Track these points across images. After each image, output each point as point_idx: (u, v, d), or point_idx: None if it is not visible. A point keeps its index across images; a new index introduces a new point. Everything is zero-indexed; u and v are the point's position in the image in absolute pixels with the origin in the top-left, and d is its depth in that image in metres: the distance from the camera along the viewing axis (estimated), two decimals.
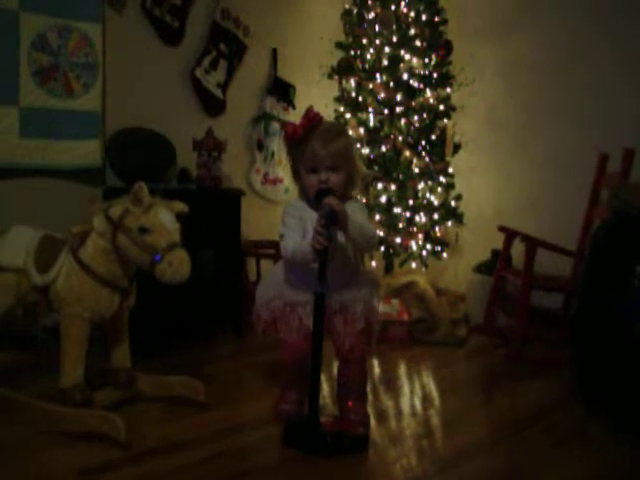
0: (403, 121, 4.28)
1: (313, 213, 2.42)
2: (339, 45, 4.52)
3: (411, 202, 4.24)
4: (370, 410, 2.71)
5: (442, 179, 4.31)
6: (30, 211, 3.46)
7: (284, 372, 2.73)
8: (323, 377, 3.26)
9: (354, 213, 2.38)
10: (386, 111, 4.29)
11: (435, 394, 3.23)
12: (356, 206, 2.50)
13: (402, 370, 3.57)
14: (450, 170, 4.35)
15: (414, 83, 4.27)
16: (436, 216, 4.27)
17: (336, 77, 4.55)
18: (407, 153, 4.26)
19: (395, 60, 4.28)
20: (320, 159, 2.40)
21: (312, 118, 2.45)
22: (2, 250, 2.68)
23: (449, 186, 4.35)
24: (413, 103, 4.29)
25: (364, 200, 4.16)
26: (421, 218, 4.25)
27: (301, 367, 2.59)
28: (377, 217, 4.23)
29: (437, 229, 4.32)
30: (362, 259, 2.68)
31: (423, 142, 4.28)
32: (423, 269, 4.32)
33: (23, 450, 2.34)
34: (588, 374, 2.95)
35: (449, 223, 4.36)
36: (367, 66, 4.37)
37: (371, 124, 4.34)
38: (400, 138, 4.27)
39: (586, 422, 2.77)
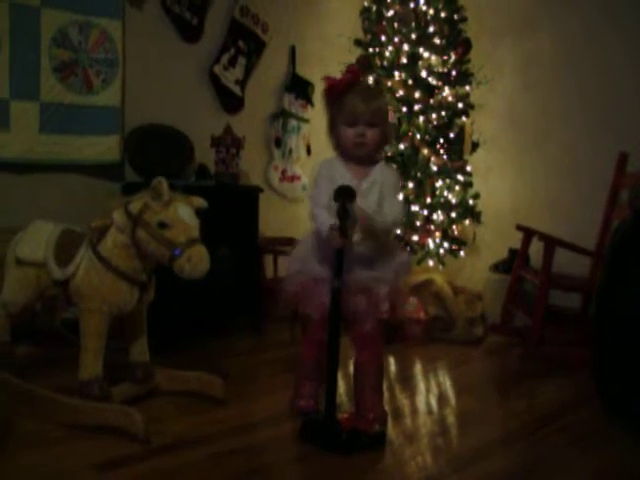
0: (421, 119, 4.27)
1: (346, 172, 2.46)
2: (358, 42, 4.51)
3: (429, 200, 4.23)
4: (386, 408, 2.71)
5: (460, 177, 4.29)
6: (50, 206, 3.49)
7: (301, 366, 2.70)
8: (339, 374, 3.26)
9: (385, 186, 2.44)
10: (404, 109, 4.28)
11: (451, 393, 3.23)
12: (389, 173, 2.52)
13: (418, 368, 3.57)
14: (468, 168, 4.33)
15: (433, 81, 4.26)
16: (453, 214, 4.26)
17: None
18: (425, 151, 4.25)
19: (414, 58, 4.27)
20: (360, 113, 2.43)
21: (354, 73, 2.54)
22: (22, 244, 2.70)
23: (467, 184, 4.33)
24: (431, 101, 4.28)
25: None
26: (439, 216, 4.24)
27: (318, 362, 2.58)
28: None
29: (454, 227, 4.30)
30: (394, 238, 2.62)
31: (441, 140, 4.26)
32: (440, 267, 4.31)
33: (41, 443, 2.35)
34: (606, 374, 2.93)
35: (466, 221, 4.34)
36: (386, 63, 4.36)
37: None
38: (418, 136, 4.25)
39: (603, 422, 2.75)
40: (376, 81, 4.38)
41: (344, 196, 2.30)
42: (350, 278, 2.38)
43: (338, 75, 2.59)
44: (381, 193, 2.43)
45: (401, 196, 2.53)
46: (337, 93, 2.50)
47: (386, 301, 2.44)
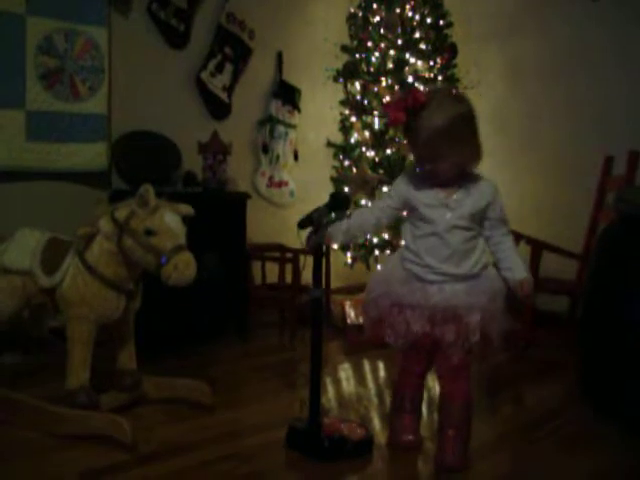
0: None
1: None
2: (344, 48, 4.53)
3: None
4: (375, 413, 2.71)
5: None
6: (37, 214, 3.47)
7: (395, 397, 2.51)
8: (328, 379, 3.27)
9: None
10: None
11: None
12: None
13: None
14: None
15: (419, 86, 4.27)
16: None
17: (341, 80, 4.56)
18: (411, 157, 4.26)
19: (400, 63, 4.29)
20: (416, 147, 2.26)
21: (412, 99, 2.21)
22: (9, 252, 2.68)
23: None
24: None
25: (369, 202, 4.17)
26: None
27: (415, 394, 2.47)
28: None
29: None
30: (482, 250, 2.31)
31: None
32: None
33: (29, 452, 2.34)
34: (594, 377, 2.94)
35: None
36: (372, 69, 4.38)
37: (376, 127, 4.34)
38: (405, 141, 4.26)
39: (592, 425, 2.76)
40: (363, 86, 4.40)
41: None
42: (439, 299, 2.23)
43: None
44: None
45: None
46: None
47: (477, 331, 2.23)
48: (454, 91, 2.57)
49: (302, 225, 2.35)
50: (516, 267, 2.27)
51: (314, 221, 2.31)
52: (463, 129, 2.20)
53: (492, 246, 2.31)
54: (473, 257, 2.26)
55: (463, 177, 2.26)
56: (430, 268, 2.24)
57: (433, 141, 2.16)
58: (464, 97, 2.33)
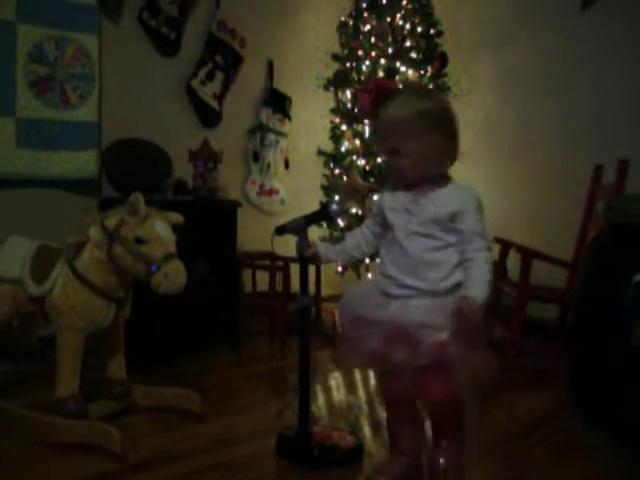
0: None
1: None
2: (335, 57, 4.55)
3: None
4: (365, 421, 2.70)
5: None
6: (26, 221, 3.46)
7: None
8: (319, 387, 3.26)
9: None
10: None
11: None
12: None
13: None
14: None
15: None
16: None
17: (332, 89, 4.56)
18: None
19: (391, 72, 4.30)
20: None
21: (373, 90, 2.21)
22: None
23: None
24: None
25: (360, 211, 4.18)
26: None
27: (396, 429, 2.21)
28: None
29: None
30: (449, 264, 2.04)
31: None
32: None
33: (17, 461, 2.33)
34: (584, 385, 2.95)
35: None
36: (363, 78, 4.39)
37: (367, 136, 4.35)
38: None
39: (582, 433, 2.76)
40: (353, 94, 4.41)
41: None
42: (398, 315, 2.00)
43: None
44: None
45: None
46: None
47: (427, 355, 1.91)
48: (426, 87, 2.33)
49: (278, 231, 2.39)
50: (472, 285, 1.96)
51: (286, 229, 2.35)
52: (423, 125, 2.01)
53: (464, 262, 2.02)
54: (440, 271, 2.01)
55: (435, 181, 2.07)
56: (392, 279, 2.06)
57: (387, 133, 2.06)
58: (435, 94, 2.21)
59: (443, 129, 2.06)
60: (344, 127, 4.45)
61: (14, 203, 3.54)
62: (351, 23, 4.50)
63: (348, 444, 2.42)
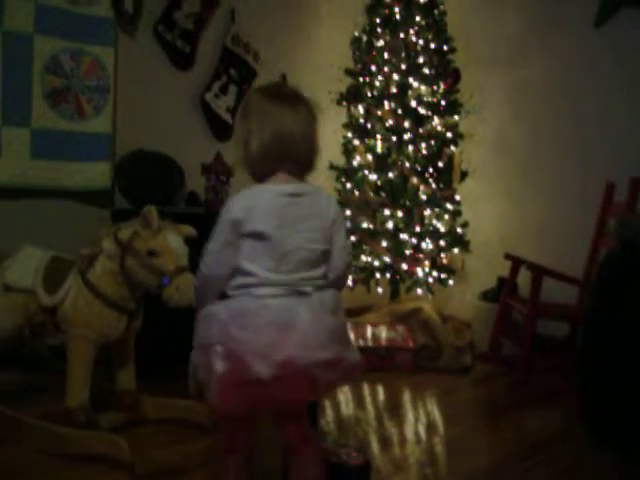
0: (411, 148, 4.30)
1: None
2: (348, 72, 4.55)
3: (418, 229, 4.25)
4: (374, 437, 2.70)
5: (449, 206, 4.32)
6: (40, 232, 3.47)
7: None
8: (327, 403, 3.26)
9: None
10: (394, 138, 4.31)
11: (439, 422, 3.22)
12: None
13: (406, 397, 3.56)
14: (457, 197, 4.35)
15: (422, 110, 4.30)
16: (442, 243, 4.28)
17: (345, 103, 4.58)
18: (414, 180, 4.28)
19: (403, 87, 4.31)
20: None
21: None
22: (11, 270, 2.69)
23: (456, 213, 4.35)
24: (421, 130, 4.31)
25: (371, 225, 4.19)
26: (427, 245, 4.25)
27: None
28: (384, 243, 4.24)
29: (443, 256, 4.32)
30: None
31: (430, 169, 4.29)
32: (429, 296, 4.31)
33: (27, 471, 2.34)
34: (593, 404, 2.93)
35: (455, 250, 4.36)
36: (376, 93, 4.40)
37: (379, 150, 4.36)
38: (407, 165, 4.28)
39: (591, 452, 2.75)
40: (366, 110, 4.42)
41: None
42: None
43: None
44: None
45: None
46: None
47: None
48: (275, 88, 2.01)
49: None
50: None
51: None
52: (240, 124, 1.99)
53: None
54: None
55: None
56: None
57: None
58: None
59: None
60: (356, 142, 4.46)
61: (28, 213, 3.56)
62: (365, 38, 4.51)
63: (356, 461, 2.41)
